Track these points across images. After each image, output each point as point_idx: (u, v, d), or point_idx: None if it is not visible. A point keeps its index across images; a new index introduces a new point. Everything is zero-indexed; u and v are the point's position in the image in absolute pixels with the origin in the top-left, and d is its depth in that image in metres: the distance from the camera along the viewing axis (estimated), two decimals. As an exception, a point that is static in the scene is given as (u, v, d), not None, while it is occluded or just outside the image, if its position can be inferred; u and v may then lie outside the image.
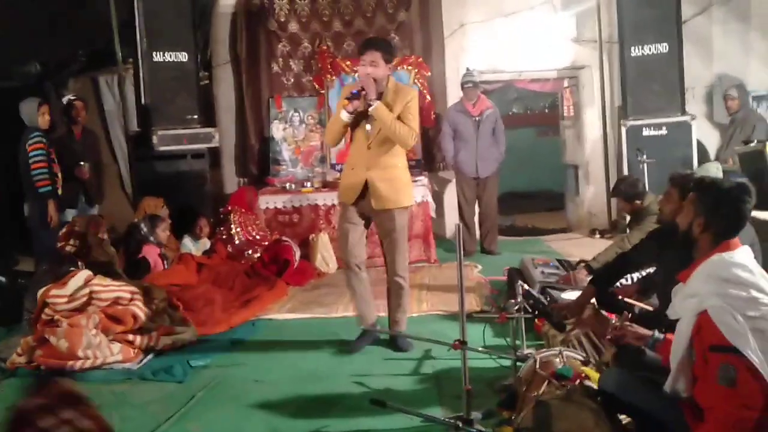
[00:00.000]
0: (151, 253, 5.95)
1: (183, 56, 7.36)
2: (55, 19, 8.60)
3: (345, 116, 4.32)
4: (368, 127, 4.35)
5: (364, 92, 4.25)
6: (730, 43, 8.14)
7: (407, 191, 4.53)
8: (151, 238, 6.02)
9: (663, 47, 7.59)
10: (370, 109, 4.26)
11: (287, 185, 7.53)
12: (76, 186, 6.76)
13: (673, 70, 7.62)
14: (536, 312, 4.13)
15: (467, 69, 7.37)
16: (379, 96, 4.29)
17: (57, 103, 7.38)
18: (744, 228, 2.65)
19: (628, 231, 5.49)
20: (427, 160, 8.10)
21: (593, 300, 3.65)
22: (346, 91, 4.47)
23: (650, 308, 3.87)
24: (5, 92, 8.00)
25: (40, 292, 4.67)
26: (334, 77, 8.15)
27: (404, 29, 8.24)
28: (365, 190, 4.38)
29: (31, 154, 6.08)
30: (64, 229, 5.30)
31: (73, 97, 7.20)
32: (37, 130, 6.16)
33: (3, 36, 8.40)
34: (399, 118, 4.27)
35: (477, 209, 7.45)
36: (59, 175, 6.35)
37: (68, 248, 5.19)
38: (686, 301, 2.52)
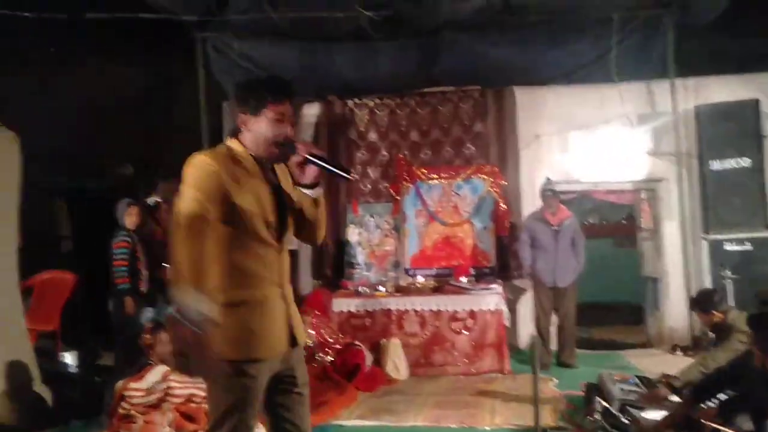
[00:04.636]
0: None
1: (266, 162, 7.68)
2: (149, 124, 9.19)
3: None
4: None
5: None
6: (815, 158, 7.97)
7: None
8: None
9: (744, 161, 7.52)
10: (311, 192, 2.73)
11: (361, 289, 7.58)
12: (156, 285, 6.99)
13: (755, 184, 7.51)
14: (616, 431, 3.99)
15: (547, 178, 7.41)
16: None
17: (145, 204, 7.76)
18: None
19: (711, 349, 5.28)
20: (501, 267, 8.07)
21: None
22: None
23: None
24: (100, 192, 8.50)
25: (119, 384, 4.77)
26: (409, 184, 8.34)
27: (480, 139, 8.42)
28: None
29: (114, 251, 6.39)
30: (148, 325, 5.44)
31: (159, 199, 7.55)
32: (124, 228, 6.48)
33: (101, 140, 9.02)
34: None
35: (554, 320, 7.30)
36: (144, 272, 6.60)
37: (148, 343, 5.31)
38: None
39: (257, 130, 2.64)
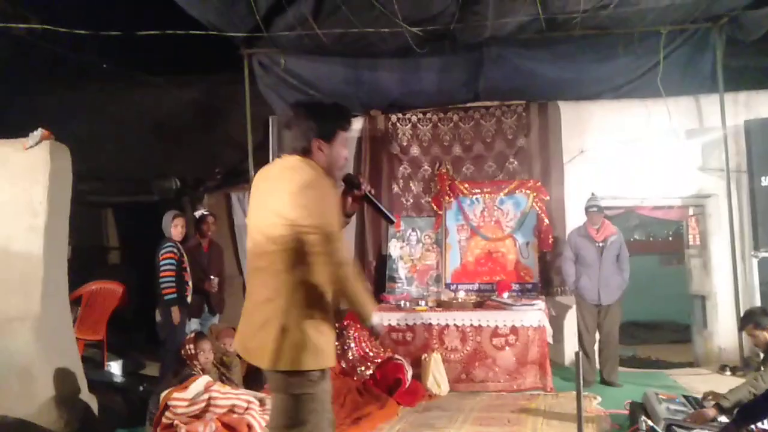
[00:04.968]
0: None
1: (310, 176, 7.76)
2: (195, 139, 9.37)
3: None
4: None
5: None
6: None
7: None
8: None
9: (796, 177, 7.34)
10: (347, 219, 3.08)
11: (402, 303, 7.58)
12: (200, 296, 7.09)
13: (808, 200, 7.31)
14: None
15: (592, 194, 7.32)
16: None
17: (191, 217, 7.88)
18: None
19: (761, 369, 5.14)
20: (544, 283, 8.00)
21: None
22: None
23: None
24: (146, 206, 8.68)
25: (163, 394, 4.86)
26: (452, 199, 8.34)
27: (523, 154, 8.38)
28: None
29: (161, 263, 6.50)
30: (189, 335, 5.52)
31: (205, 212, 7.66)
32: (170, 240, 6.60)
33: (146, 154, 9.23)
34: None
35: (597, 337, 7.19)
36: (190, 283, 6.70)
37: (190, 354, 5.38)
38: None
39: (331, 154, 2.85)
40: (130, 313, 7.87)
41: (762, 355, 5.29)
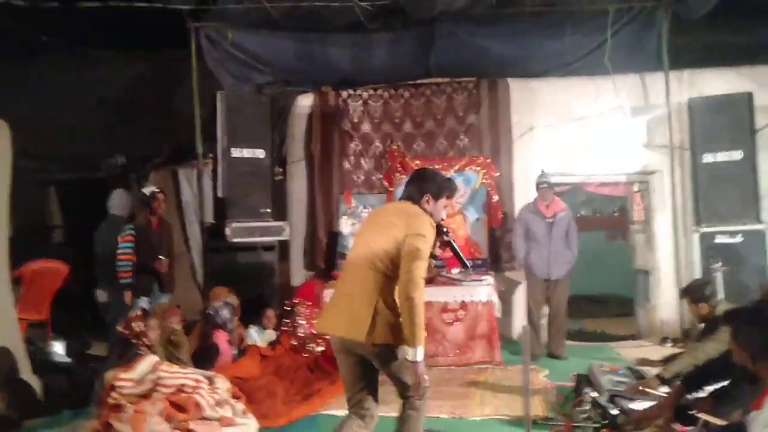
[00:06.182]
0: (220, 338, 6.05)
1: (260, 153, 7.72)
2: (142, 115, 9.15)
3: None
4: None
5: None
6: (807, 152, 7.98)
7: None
8: (229, 325, 6.15)
9: (737, 154, 7.54)
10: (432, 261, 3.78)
11: (353, 280, 7.56)
12: (150, 275, 6.97)
13: (747, 177, 7.53)
14: (605, 421, 4.01)
15: (542, 170, 7.40)
16: None
17: (138, 194, 7.72)
18: None
19: (701, 340, 5.30)
20: (493, 259, 8.09)
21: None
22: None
23: (723, 422, 3.68)
24: (91, 183, 8.47)
25: (109, 374, 4.76)
26: (403, 176, 8.32)
27: (473, 131, 8.42)
28: None
29: (121, 245, 6.37)
30: (135, 313, 5.43)
31: (156, 189, 7.49)
32: (128, 222, 6.46)
33: (92, 131, 8.98)
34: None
35: (545, 311, 7.32)
36: (134, 263, 6.58)
37: (137, 332, 5.29)
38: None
39: (433, 209, 3.69)
40: (76, 293, 7.70)
41: (702, 327, 5.45)
